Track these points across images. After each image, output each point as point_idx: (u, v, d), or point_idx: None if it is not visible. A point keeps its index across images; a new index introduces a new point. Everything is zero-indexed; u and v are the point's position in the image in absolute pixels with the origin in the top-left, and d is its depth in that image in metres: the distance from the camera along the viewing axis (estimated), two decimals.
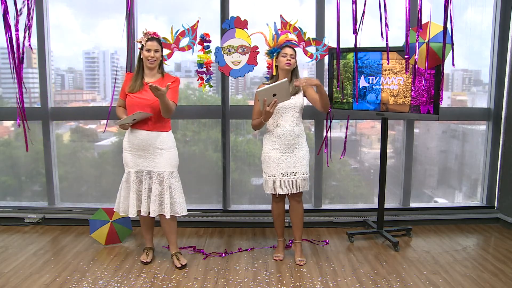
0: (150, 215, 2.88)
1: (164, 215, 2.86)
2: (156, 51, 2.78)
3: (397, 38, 2.96)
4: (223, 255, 3.16)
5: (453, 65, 2.85)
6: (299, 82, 2.86)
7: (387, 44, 2.90)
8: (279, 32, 3.23)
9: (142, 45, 2.80)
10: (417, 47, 2.84)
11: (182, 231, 3.64)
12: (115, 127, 3.73)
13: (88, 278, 2.77)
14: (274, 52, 3.05)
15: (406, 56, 3.00)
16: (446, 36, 2.79)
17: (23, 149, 3.93)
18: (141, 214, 2.91)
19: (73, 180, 4.00)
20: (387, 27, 2.70)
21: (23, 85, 2.73)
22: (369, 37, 3.11)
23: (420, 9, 2.69)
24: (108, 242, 3.36)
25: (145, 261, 2.99)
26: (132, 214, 2.88)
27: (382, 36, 2.66)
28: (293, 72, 2.95)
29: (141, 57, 2.82)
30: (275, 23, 3.23)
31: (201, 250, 3.23)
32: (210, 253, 3.18)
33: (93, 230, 3.37)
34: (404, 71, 3.11)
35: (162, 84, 2.79)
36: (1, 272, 2.85)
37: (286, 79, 2.76)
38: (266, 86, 2.73)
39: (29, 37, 2.80)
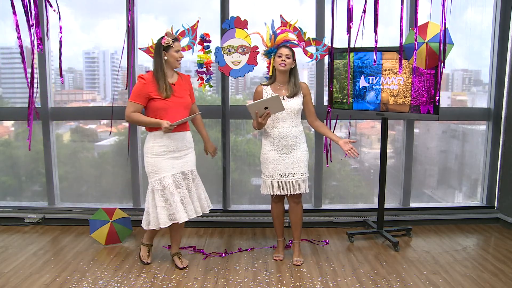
0: (199, 215, 2.88)
1: None
2: (181, 51, 2.82)
3: (397, 38, 2.95)
4: (223, 255, 3.16)
5: (443, 66, 2.86)
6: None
7: (375, 44, 2.92)
8: (277, 32, 3.21)
9: (168, 46, 2.72)
10: (416, 47, 2.85)
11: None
12: (115, 127, 3.72)
13: (88, 278, 2.77)
14: (271, 52, 3.04)
15: (399, 57, 3.02)
16: (445, 36, 2.79)
17: (23, 149, 3.94)
18: (189, 219, 2.81)
19: (73, 180, 3.99)
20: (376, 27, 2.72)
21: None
22: (370, 37, 3.11)
23: (416, 9, 2.69)
24: (108, 242, 3.35)
25: (145, 262, 2.99)
26: (183, 217, 2.75)
27: (374, 38, 2.68)
28: (292, 72, 2.92)
29: (165, 58, 2.74)
30: (272, 21, 3.21)
31: (201, 250, 3.23)
32: (210, 253, 3.18)
33: (93, 230, 3.37)
34: (405, 71, 3.11)
35: (182, 83, 2.86)
36: (1, 272, 2.85)
37: (278, 94, 2.73)
38: (256, 101, 2.73)
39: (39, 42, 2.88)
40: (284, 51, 2.84)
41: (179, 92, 2.81)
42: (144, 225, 2.84)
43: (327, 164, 3.60)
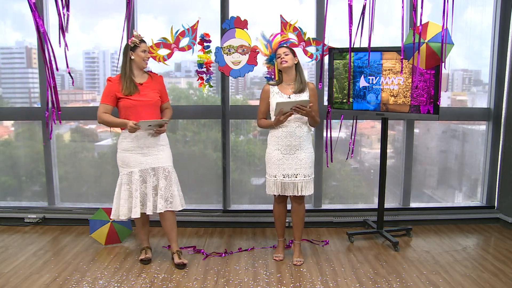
0: (158, 212, 2.90)
1: (163, 212, 2.90)
2: (148, 52, 2.90)
3: (397, 38, 2.96)
4: (223, 255, 3.16)
5: (444, 67, 2.84)
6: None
7: (369, 45, 2.91)
8: (270, 39, 3.23)
9: (135, 46, 2.82)
10: (414, 48, 2.84)
11: (182, 231, 3.64)
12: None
13: (88, 278, 2.77)
14: (273, 58, 3.05)
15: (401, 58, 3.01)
16: (446, 36, 2.79)
17: (23, 149, 3.95)
18: (147, 214, 2.89)
19: (73, 180, 3.99)
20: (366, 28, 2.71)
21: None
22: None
23: (415, 9, 2.69)
24: (108, 242, 3.36)
25: (144, 258, 3.00)
26: (137, 214, 2.86)
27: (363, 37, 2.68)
28: (297, 69, 2.93)
29: (132, 58, 2.84)
30: (262, 32, 3.25)
31: (201, 250, 3.22)
32: (210, 253, 3.18)
33: (93, 230, 3.37)
34: (405, 71, 3.10)
35: (152, 83, 2.93)
36: (1, 272, 2.85)
37: (308, 100, 2.79)
38: (288, 101, 2.80)
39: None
40: (281, 50, 2.89)
41: (146, 91, 2.88)
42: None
43: (327, 164, 3.59)
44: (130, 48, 2.83)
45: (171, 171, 2.94)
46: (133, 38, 2.83)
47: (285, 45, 3.03)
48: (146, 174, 2.88)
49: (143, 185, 2.90)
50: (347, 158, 3.67)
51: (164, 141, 2.97)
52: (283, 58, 2.85)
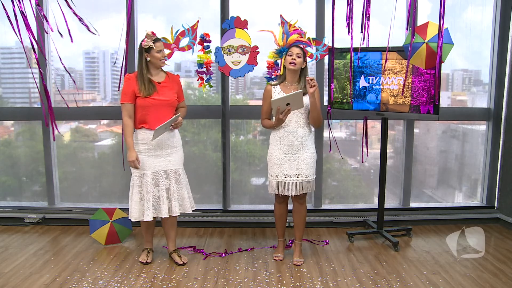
0: (173, 215, 2.90)
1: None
2: (164, 50, 2.85)
3: (397, 38, 2.96)
4: (223, 255, 3.16)
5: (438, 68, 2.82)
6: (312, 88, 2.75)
7: (366, 44, 2.91)
8: (289, 32, 3.21)
9: (150, 47, 2.77)
10: (411, 47, 2.84)
11: (182, 231, 3.65)
12: (116, 126, 3.73)
13: (88, 278, 2.77)
14: (283, 51, 3.02)
15: (388, 50, 3.00)
16: (442, 36, 2.79)
17: (23, 149, 3.95)
18: (162, 217, 2.89)
19: (73, 180, 3.99)
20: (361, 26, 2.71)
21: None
22: (370, 37, 3.10)
23: (415, 9, 2.69)
24: (108, 242, 3.35)
25: (145, 262, 2.99)
26: (149, 217, 2.84)
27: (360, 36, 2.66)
28: (302, 72, 2.91)
29: (147, 59, 2.80)
30: (286, 23, 3.24)
31: (201, 250, 3.23)
32: (210, 253, 3.18)
33: (93, 230, 3.37)
34: (405, 71, 3.10)
35: (169, 82, 2.91)
36: (1, 272, 2.85)
37: (302, 90, 2.74)
38: (281, 96, 2.74)
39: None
40: (295, 50, 2.84)
41: (164, 91, 2.86)
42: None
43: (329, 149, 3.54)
44: (145, 50, 2.79)
45: (181, 173, 2.95)
46: (146, 40, 2.77)
47: (301, 45, 2.94)
48: (159, 177, 2.86)
49: (155, 188, 2.87)
50: (362, 161, 3.65)
51: (177, 143, 2.96)
52: (294, 59, 2.82)
